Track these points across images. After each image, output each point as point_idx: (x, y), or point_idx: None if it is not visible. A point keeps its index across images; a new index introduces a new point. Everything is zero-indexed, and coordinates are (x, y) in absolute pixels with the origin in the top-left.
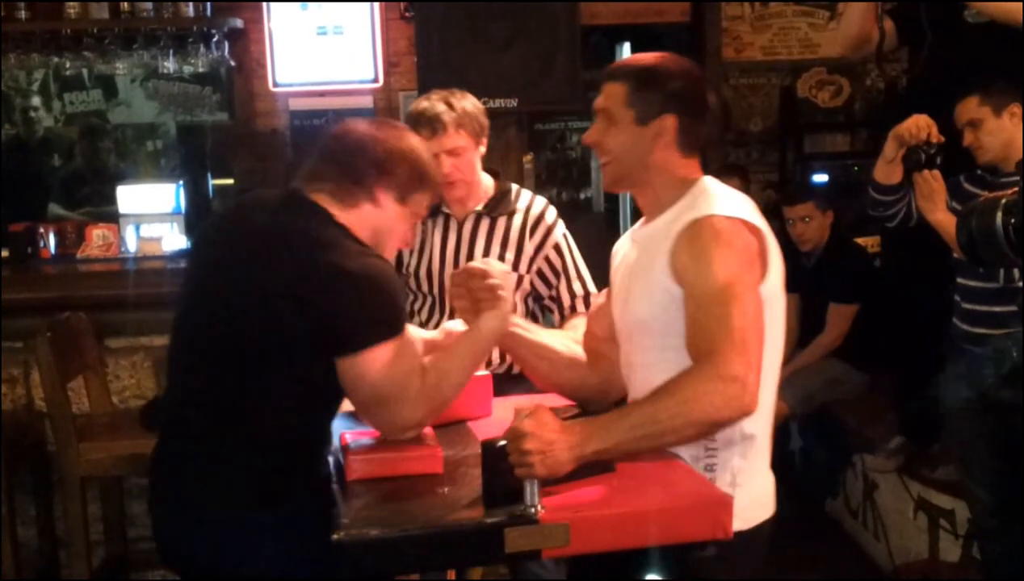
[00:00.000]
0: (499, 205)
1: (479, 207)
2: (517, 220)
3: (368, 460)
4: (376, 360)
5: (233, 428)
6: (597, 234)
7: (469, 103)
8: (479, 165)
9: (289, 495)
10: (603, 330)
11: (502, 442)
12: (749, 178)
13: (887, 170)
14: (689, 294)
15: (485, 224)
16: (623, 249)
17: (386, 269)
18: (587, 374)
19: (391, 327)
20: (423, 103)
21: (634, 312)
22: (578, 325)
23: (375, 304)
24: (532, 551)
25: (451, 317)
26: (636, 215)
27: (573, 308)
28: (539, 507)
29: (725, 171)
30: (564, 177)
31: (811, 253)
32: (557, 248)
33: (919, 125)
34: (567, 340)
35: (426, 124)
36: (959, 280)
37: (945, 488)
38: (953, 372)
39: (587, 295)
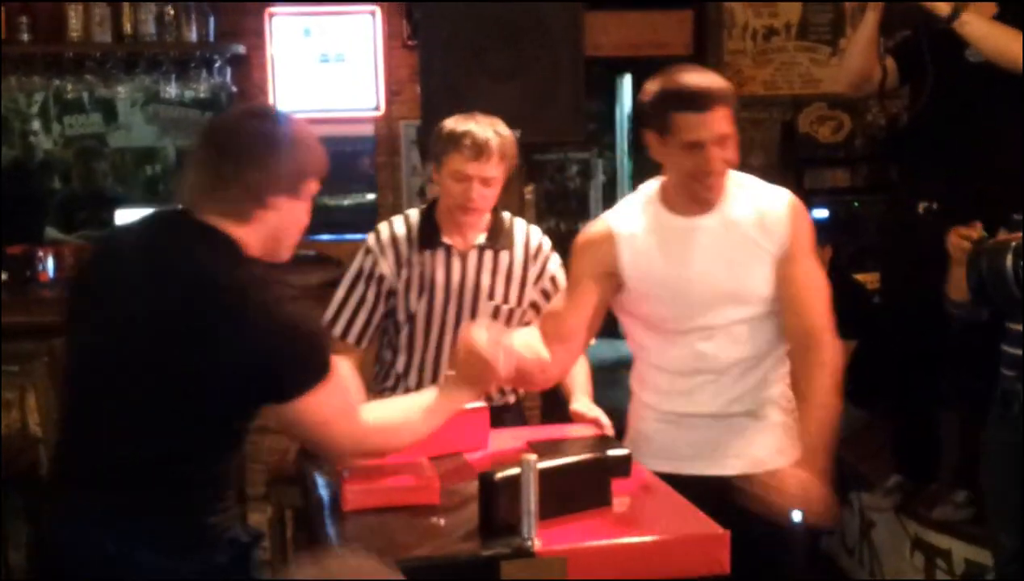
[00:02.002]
0: (499, 237)
1: (480, 240)
2: (518, 253)
3: (364, 491)
4: (310, 405)
5: (150, 474)
6: None
7: (510, 135)
8: None
9: (205, 540)
10: (555, 330)
11: (499, 474)
12: None
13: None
14: (798, 269)
15: (488, 258)
16: (668, 235)
17: (309, 312)
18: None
19: (321, 371)
20: (470, 124)
21: (727, 282)
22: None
23: (306, 351)
24: None
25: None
26: None
27: None
28: (536, 540)
29: None
30: (563, 207)
31: None
32: (553, 280)
33: (959, 238)
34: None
35: (471, 146)
36: (1008, 325)
37: (942, 528)
38: (996, 415)
39: None
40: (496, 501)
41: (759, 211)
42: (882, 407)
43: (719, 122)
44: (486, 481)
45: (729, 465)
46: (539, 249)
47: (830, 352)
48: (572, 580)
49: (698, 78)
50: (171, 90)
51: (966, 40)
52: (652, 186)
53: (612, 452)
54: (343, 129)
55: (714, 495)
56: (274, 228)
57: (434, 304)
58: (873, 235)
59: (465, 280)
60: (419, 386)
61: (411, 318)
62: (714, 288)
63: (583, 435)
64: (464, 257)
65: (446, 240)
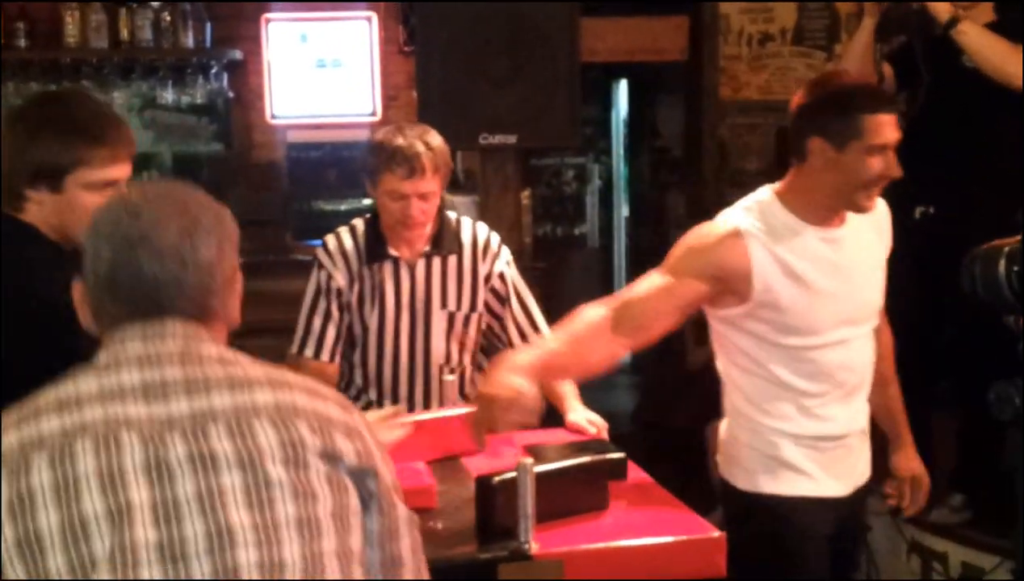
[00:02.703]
0: (445, 242)
1: (426, 247)
2: (467, 254)
3: None
4: None
5: None
6: (592, 269)
7: (441, 143)
8: None
9: None
10: (630, 319)
11: (496, 478)
12: None
13: None
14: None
15: (437, 264)
16: (808, 246)
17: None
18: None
19: None
20: (398, 139)
21: (867, 292)
22: None
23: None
24: None
25: (409, 374)
26: (632, 250)
27: (523, 336)
28: (533, 543)
29: (718, 210)
30: (559, 213)
31: None
32: (502, 277)
33: None
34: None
35: (403, 162)
36: None
37: (939, 531)
38: None
39: (534, 322)
40: (493, 504)
41: (874, 217)
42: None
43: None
44: (483, 484)
45: (854, 483)
46: (486, 246)
47: (890, 336)
48: None
49: (863, 81)
50: (168, 96)
51: (962, 49)
52: (767, 195)
53: (609, 455)
54: (340, 134)
55: (847, 512)
56: (59, 214)
57: (386, 316)
58: None
59: (415, 290)
60: (379, 398)
61: (365, 331)
62: (856, 300)
63: (579, 438)
64: (412, 267)
65: (392, 252)
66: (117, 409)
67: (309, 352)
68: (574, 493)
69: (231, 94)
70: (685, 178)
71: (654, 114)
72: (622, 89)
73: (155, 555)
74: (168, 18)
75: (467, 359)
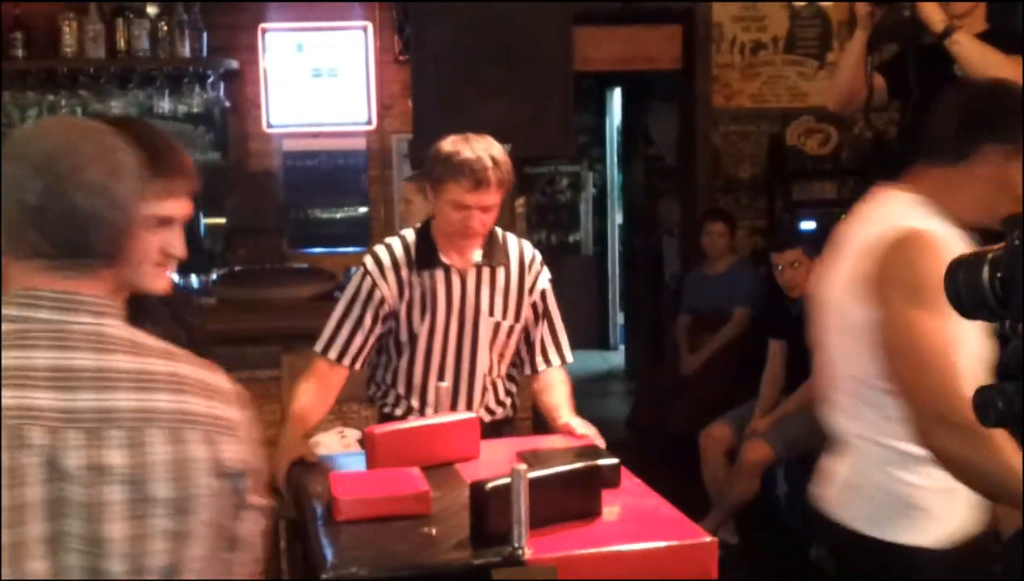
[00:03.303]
0: (495, 254)
1: (477, 257)
2: (514, 269)
3: (357, 502)
4: None
5: None
6: (586, 276)
7: (505, 157)
8: None
9: None
10: None
11: (490, 484)
12: (736, 223)
13: None
14: None
15: (486, 275)
16: None
17: None
18: None
19: None
20: (466, 151)
21: None
22: (555, 381)
23: None
24: None
25: (454, 382)
26: (626, 257)
27: (545, 357)
28: (527, 548)
29: (711, 216)
30: (554, 220)
31: (797, 300)
32: (543, 294)
33: None
34: None
35: (470, 175)
36: None
37: None
38: None
39: (558, 342)
40: (487, 510)
41: None
42: None
43: None
44: (477, 491)
45: None
46: (532, 262)
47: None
48: None
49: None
50: (164, 105)
51: (955, 59)
52: (907, 200)
53: (602, 462)
54: (336, 143)
55: None
56: None
57: (436, 323)
58: None
59: (466, 298)
60: (422, 407)
61: (413, 339)
62: None
63: (573, 445)
64: (464, 275)
65: (444, 260)
66: (28, 396)
67: (333, 355)
68: (568, 499)
69: (227, 103)
70: (678, 185)
71: (647, 122)
72: (616, 97)
73: (42, 549)
74: (165, 28)
75: (504, 370)
